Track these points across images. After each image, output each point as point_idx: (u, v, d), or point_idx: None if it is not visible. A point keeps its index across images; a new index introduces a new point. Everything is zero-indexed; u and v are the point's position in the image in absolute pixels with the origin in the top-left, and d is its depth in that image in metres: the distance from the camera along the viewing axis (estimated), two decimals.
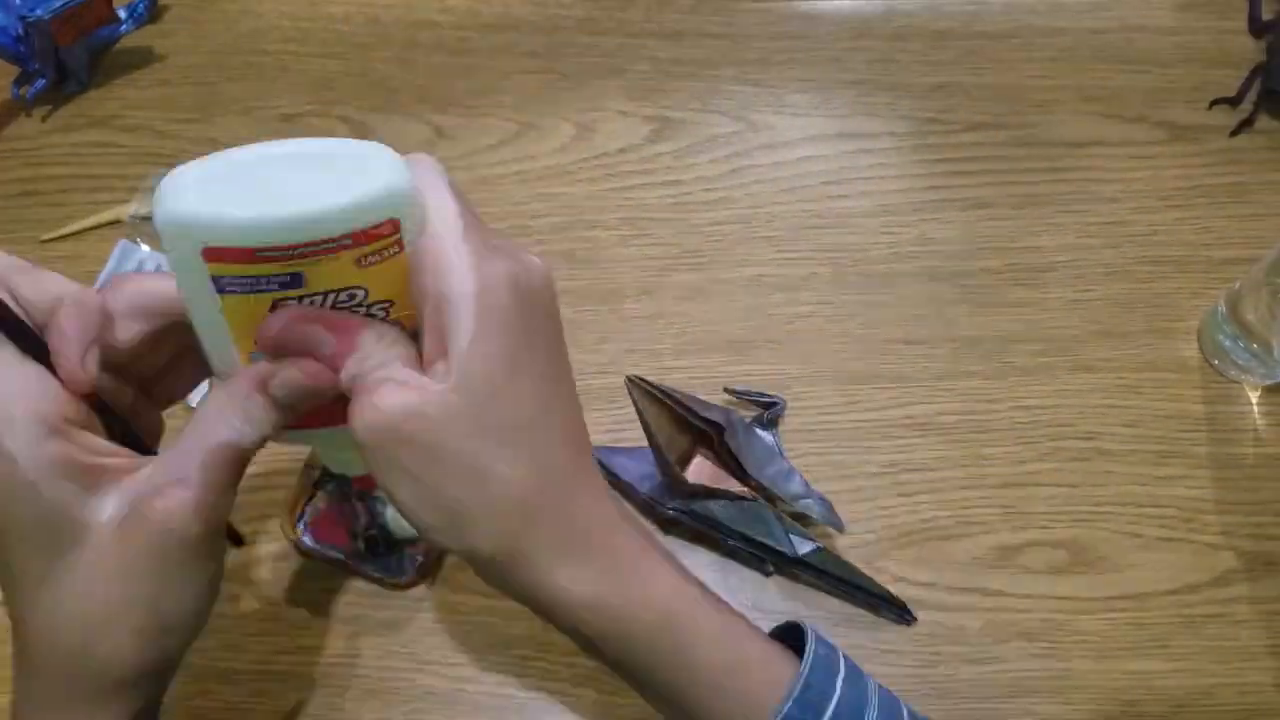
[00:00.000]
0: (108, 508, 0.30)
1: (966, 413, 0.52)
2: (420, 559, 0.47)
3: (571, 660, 0.46)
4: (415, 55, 0.65)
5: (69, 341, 0.29)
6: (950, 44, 0.65)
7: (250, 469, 0.53)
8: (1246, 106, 0.61)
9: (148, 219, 0.59)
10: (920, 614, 0.47)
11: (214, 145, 0.61)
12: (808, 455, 0.51)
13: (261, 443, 0.31)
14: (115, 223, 0.59)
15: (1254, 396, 0.52)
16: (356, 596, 0.48)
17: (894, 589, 0.47)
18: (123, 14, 0.66)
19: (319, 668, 0.46)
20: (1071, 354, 0.54)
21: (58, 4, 0.60)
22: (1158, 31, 0.65)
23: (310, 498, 0.48)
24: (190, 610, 0.32)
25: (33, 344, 0.29)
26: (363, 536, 0.46)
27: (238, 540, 0.41)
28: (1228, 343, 0.52)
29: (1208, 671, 0.46)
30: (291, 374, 0.30)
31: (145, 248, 0.58)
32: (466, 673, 0.46)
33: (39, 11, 0.60)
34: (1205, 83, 0.62)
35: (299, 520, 0.47)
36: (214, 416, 0.30)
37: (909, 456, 0.51)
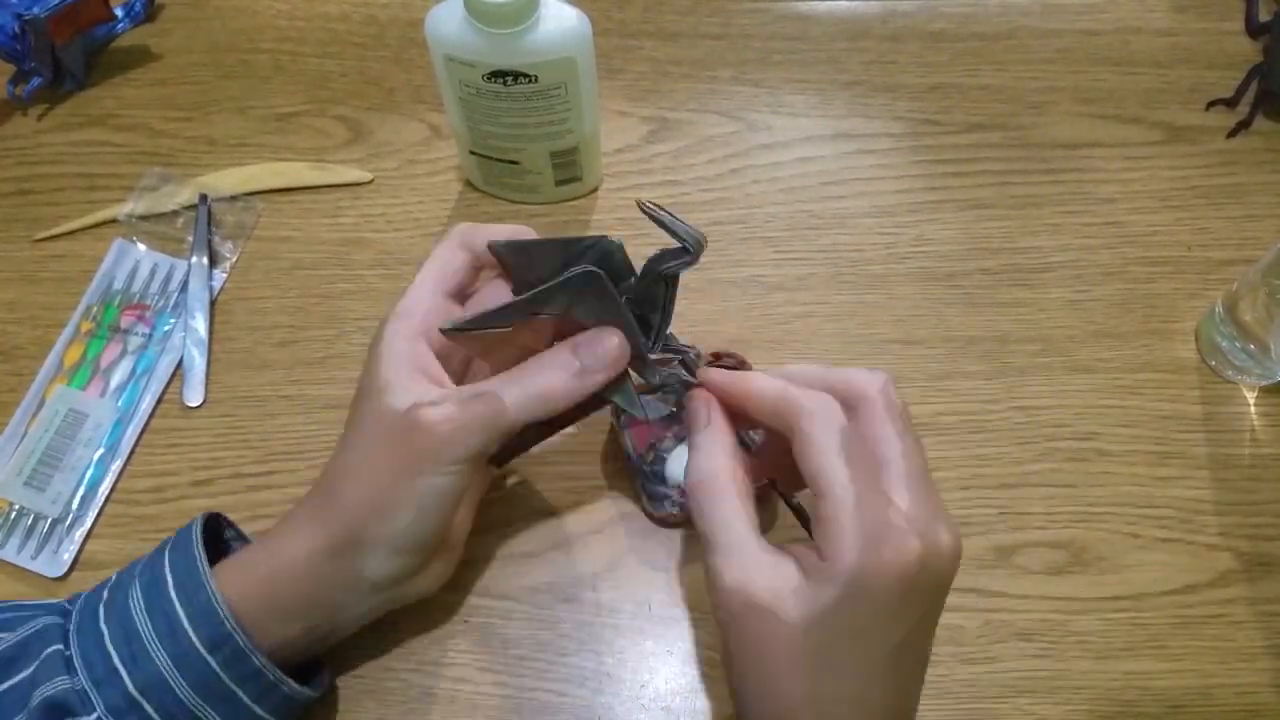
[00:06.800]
0: (408, 400, 0.37)
1: (964, 413, 0.52)
2: (680, 506, 0.47)
3: (569, 660, 0.46)
4: (412, 54, 0.65)
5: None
6: (946, 45, 0.65)
7: (250, 468, 0.52)
8: (1243, 108, 0.61)
9: (144, 218, 0.59)
10: None
11: (210, 144, 0.62)
12: None
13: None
14: (111, 221, 0.59)
15: (1251, 397, 0.53)
16: None
17: None
18: (119, 12, 0.65)
19: None
20: (1069, 354, 0.54)
21: (54, 2, 0.60)
22: (1154, 33, 0.65)
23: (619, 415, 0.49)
24: (429, 506, 0.38)
25: None
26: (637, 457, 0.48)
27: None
28: (1225, 343, 0.52)
29: (1205, 672, 0.46)
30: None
31: (141, 246, 0.58)
32: (464, 673, 0.46)
33: (35, 9, 0.60)
34: (1202, 84, 0.63)
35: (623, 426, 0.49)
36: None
37: None
